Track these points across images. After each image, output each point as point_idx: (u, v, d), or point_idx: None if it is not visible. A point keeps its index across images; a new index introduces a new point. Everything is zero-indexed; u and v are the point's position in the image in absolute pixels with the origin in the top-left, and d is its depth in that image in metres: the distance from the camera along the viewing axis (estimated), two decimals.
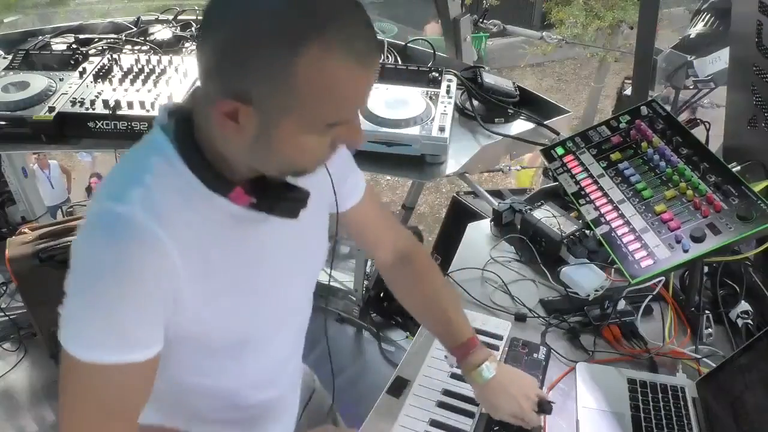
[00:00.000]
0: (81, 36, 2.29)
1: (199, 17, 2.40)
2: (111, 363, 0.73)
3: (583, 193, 1.40)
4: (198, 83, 0.75)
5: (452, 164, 1.72)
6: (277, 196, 0.79)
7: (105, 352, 0.73)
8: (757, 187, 1.25)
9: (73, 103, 1.79)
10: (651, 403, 1.13)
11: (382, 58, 2.20)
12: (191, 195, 0.75)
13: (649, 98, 1.62)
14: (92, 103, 1.79)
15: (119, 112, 1.77)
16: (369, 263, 2.93)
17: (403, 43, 2.29)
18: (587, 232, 1.49)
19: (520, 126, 1.90)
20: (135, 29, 2.34)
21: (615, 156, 1.44)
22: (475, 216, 2.32)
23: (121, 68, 1.96)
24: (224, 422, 1.00)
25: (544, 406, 1.06)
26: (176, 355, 0.83)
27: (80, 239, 0.73)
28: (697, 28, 2.77)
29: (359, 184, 1.06)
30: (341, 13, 0.66)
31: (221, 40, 0.67)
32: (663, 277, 1.24)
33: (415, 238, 1.23)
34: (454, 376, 1.20)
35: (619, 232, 1.27)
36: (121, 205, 0.71)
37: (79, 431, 0.80)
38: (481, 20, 2.91)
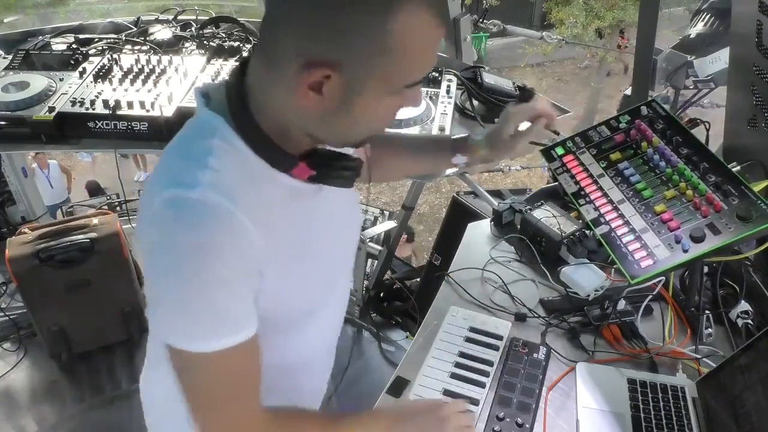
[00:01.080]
0: (81, 36, 2.29)
1: (200, 17, 2.40)
2: (221, 349, 0.74)
3: (582, 193, 1.40)
4: (258, 61, 0.75)
5: None
6: (335, 167, 0.82)
7: (213, 341, 0.73)
8: (757, 187, 1.25)
9: (73, 103, 1.80)
10: (651, 403, 1.13)
11: None
12: (254, 173, 0.76)
13: (649, 98, 1.62)
14: (92, 103, 1.79)
15: (119, 112, 1.77)
16: (369, 263, 2.93)
17: None
18: (587, 232, 1.50)
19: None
20: (135, 29, 2.34)
21: (615, 156, 1.44)
22: (475, 216, 2.32)
23: (121, 68, 1.96)
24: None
25: (525, 91, 1.14)
26: None
27: (155, 233, 0.72)
28: (697, 28, 2.77)
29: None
30: None
31: (304, 9, 0.68)
32: (663, 277, 1.24)
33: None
34: (454, 376, 1.20)
35: (619, 232, 1.27)
36: (192, 191, 0.70)
37: (213, 421, 0.81)
38: (481, 20, 2.91)
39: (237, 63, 0.80)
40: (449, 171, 1.13)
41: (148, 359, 1.08)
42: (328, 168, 0.81)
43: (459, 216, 2.55)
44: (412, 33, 0.68)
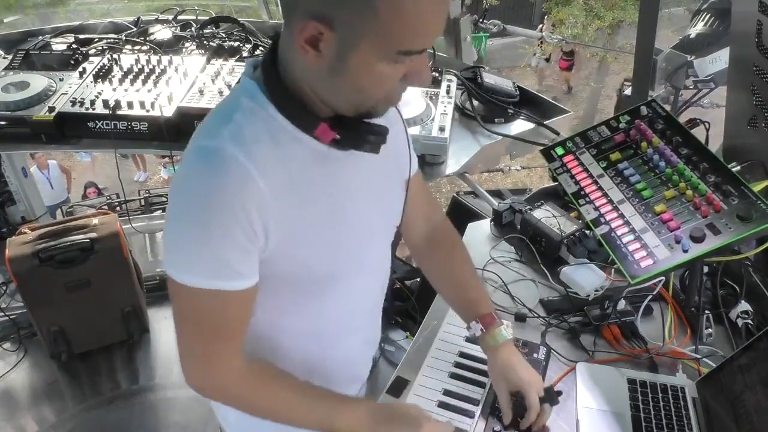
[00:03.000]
0: (81, 36, 2.29)
1: (200, 17, 2.41)
2: (209, 288, 0.79)
3: (582, 193, 1.40)
4: (284, 20, 0.78)
5: (452, 164, 1.72)
6: (359, 131, 0.83)
7: (202, 278, 0.79)
8: (757, 187, 1.25)
9: (73, 103, 1.80)
10: (651, 403, 1.13)
11: None
12: (279, 134, 0.80)
13: (649, 98, 1.62)
14: (92, 103, 1.79)
15: (119, 112, 1.77)
16: None
17: None
18: (587, 232, 1.49)
19: (520, 126, 1.90)
20: (135, 29, 2.34)
21: (615, 156, 1.44)
22: (475, 216, 2.32)
23: (121, 68, 1.96)
24: (302, 368, 1.00)
25: (551, 394, 1.04)
26: (262, 294, 0.87)
27: (176, 175, 0.79)
28: (697, 28, 2.77)
29: (415, 156, 1.09)
30: None
31: None
32: (663, 277, 1.24)
33: (444, 214, 1.26)
34: (453, 376, 1.20)
35: (619, 232, 1.27)
36: (211, 141, 0.76)
37: (188, 349, 0.88)
38: (481, 20, 2.91)
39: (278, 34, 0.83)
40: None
41: None
42: (352, 131, 0.82)
43: (459, 216, 2.54)
44: None
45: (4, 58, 2.10)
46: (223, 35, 2.26)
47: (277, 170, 0.79)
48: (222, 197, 0.75)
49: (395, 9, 0.68)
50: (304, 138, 0.81)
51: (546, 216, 1.57)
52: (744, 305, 1.32)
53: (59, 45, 2.23)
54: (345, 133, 0.81)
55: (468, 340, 1.29)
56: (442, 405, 1.14)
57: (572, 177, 1.46)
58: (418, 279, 2.98)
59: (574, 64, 11.31)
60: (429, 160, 1.68)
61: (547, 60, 11.77)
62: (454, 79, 1.91)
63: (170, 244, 0.80)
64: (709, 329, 1.28)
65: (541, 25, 11.09)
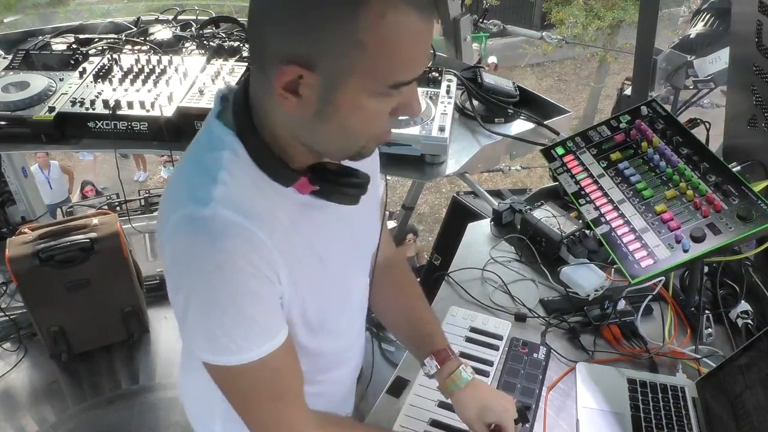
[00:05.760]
0: (81, 36, 2.29)
1: (200, 17, 2.40)
2: (257, 358, 0.76)
3: (583, 193, 1.40)
4: (252, 67, 0.74)
5: (452, 164, 1.72)
6: (339, 184, 0.80)
7: (250, 351, 0.75)
8: (757, 187, 1.25)
9: (73, 103, 1.80)
10: (651, 403, 1.13)
11: None
12: (261, 185, 0.76)
13: (649, 98, 1.62)
14: (92, 103, 1.79)
15: (119, 112, 1.77)
16: None
17: None
18: (587, 232, 1.49)
19: (520, 126, 1.90)
20: (135, 29, 2.34)
21: (615, 156, 1.44)
22: (475, 216, 2.32)
23: (121, 68, 1.96)
24: None
25: (523, 414, 1.01)
26: None
27: (177, 250, 0.73)
28: (697, 28, 2.77)
29: (381, 186, 1.06)
30: None
31: (279, 7, 0.66)
32: (663, 277, 1.24)
33: (396, 247, 1.24)
34: None
35: (619, 231, 1.27)
36: (203, 208, 0.71)
37: (262, 425, 0.84)
38: (481, 20, 2.91)
39: (246, 68, 0.79)
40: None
41: (183, 361, 1.11)
42: (332, 184, 0.79)
43: (459, 216, 2.55)
44: (387, 26, 0.64)
45: (4, 58, 2.10)
46: (223, 35, 2.26)
47: (270, 221, 0.75)
48: (237, 266, 0.72)
49: (384, 40, 0.64)
50: (285, 190, 0.78)
51: (546, 216, 1.57)
52: (744, 305, 1.32)
53: (59, 45, 2.23)
54: (324, 185, 0.78)
55: (468, 340, 1.29)
56: (442, 405, 1.14)
57: (572, 177, 1.46)
58: (419, 279, 2.98)
59: None
60: (429, 160, 1.68)
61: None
62: (454, 79, 1.91)
63: (200, 330, 0.75)
64: (709, 329, 1.28)
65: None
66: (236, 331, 0.74)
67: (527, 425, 1.07)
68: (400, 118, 0.76)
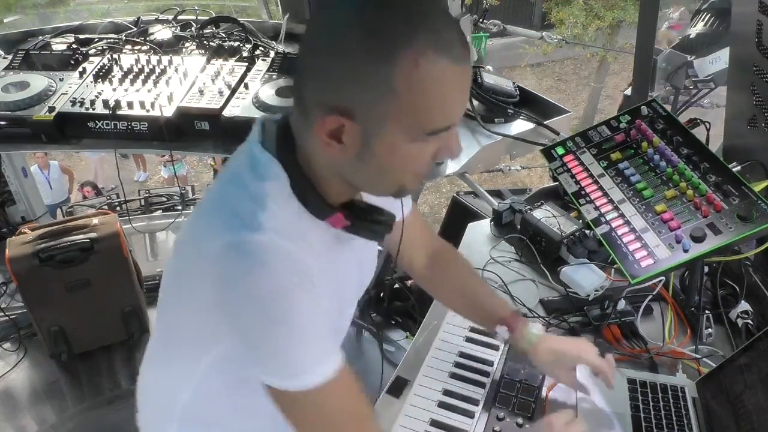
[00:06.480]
0: (81, 36, 2.29)
1: (200, 17, 2.41)
2: (336, 370, 0.77)
3: (583, 192, 1.40)
4: (294, 108, 0.78)
5: (452, 164, 1.72)
6: (369, 220, 0.84)
7: (313, 374, 0.76)
8: (757, 187, 1.25)
9: (73, 103, 1.80)
10: (651, 403, 1.13)
11: None
12: (301, 216, 0.79)
13: (649, 98, 1.62)
14: (92, 103, 1.79)
15: (119, 112, 1.77)
16: None
17: None
18: (587, 232, 1.49)
19: (520, 126, 1.90)
20: (135, 29, 2.34)
21: (615, 156, 1.44)
22: (475, 216, 2.31)
23: (121, 68, 1.96)
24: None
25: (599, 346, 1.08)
26: None
27: (229, 275, 0.73)
28: (697, 28, 2.77)
29: (408, 199, 1.09)
30: (429, 17, 0.68)
31: (319, 60, 0.70)
32: (663, 277, 1.24)
33: (440, 239, 1.28)
34: (454, 376, 1.20)
35: (619, 231, 1.27)
36: (259, 235, 0.73)
37: None
38: (481, 20, 2.91)
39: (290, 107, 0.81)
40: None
41: (150, 360, 1.09)
42: (362, 220, 0.83)
43: (459, 216, 2.54)
44: (419, 77, 0.66)
45: (4, 58, 2.10)
46: (223, 35, 2.26)
47: (311, 250, 0.78)
48: (295, 289, 0.73)
49: (418, 89, 0.67)
50: (319, 222, 0.81)
51: (546, 216, 1.57)
52: (744, 305, 1.32)
53: (59, 45, 2.23)
54: (356, 221, 0.82)
55: (468, 340, 1.29)
56: (442, 405, 1.14)
57: (573, 176, 1.46)
58: None
59: None
60: None
61: None
62: None
63: (267, 356, 0.76)
64: (709, 329, 1.28)
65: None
66: (302, 352, 0.75)
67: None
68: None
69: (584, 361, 1.08)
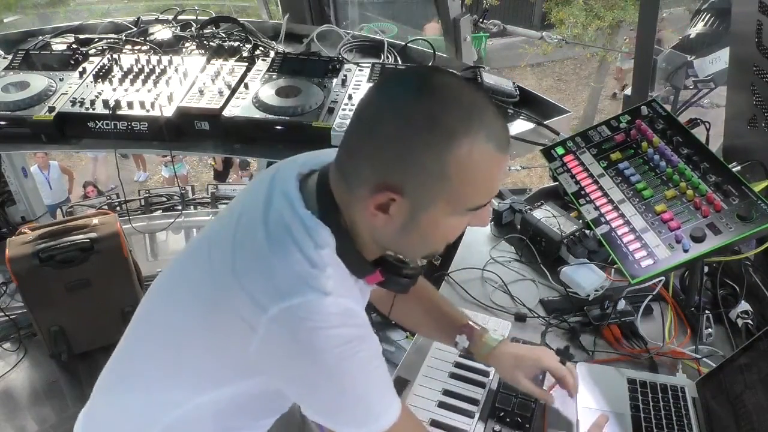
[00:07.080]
0: (81, 36, 2.29)
1: (200, 17, 2.41)
2: (400, 412, 0.86)
3: (583, 192, 1.40)
4: (336, 174, 0.84)
5: None
6: (401, 275, 0.92)
7: (396, 408, 0.86)
8: (757, 187, 1.25)
9: (73, 103, 1.79)
10: (651, 403, 1.13)
11: (383, 58, 2.20)
12: (344, 273, 0.85)
13: (649, 98, 1.62)
14: (92, 103, 1.79)
15: (119, 112, 1.77)
16: None
17: (403, 43, 2.29)
18: (587, 232, 1.49)
19: (520, 126, 1.90)
20: (135, 29, 2.34)
21: (615, 156, 1.44)
22: None
23: (121, 68, 1.96)
24: None
25: (563, 354, 1.08)
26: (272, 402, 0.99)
27: (302, 336, 0.78)
28: (697, 28, 2.77)
29: None
30: (483, 110, 0.76)
31: (375, 142, 0.76)
32: (663, 277, 1.24)
33: None
34: (453, 376, 1.20)
35: (619, 232, 1.27)
36: (329, 297, 0.79)
37: None
38: (481, 20, 2.91)
39: (319, 174, 0.87)
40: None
41: (126, 378, 1.13)
42: (396, 276, 0.92)
43: None
44: (471, 163, 0.74)
45: (4, 58, 2.10)
46: (223, 35, 2.26)
47: (359, 304, 0.86)
48: (364, 340, 0.82)
49: (469, 175, 0.75)
50: (356, 279, 0.88)
51: (546, 216, 1.57)
52: (744, 305, 1.32)
53: (59, 45, 2.23)
54: (389, 277, 0.91)
55: (463, 350, 1.29)
56: (442, 405, 1.14)
57: (572, 176, 1.46)
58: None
59: None
60: None
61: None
62: None
63: (350, 406, 0.83)
64: (709, 329, 1.28)
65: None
66: (378, 397, 0.84)
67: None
68: None
69: (544, 366, 1.09)
